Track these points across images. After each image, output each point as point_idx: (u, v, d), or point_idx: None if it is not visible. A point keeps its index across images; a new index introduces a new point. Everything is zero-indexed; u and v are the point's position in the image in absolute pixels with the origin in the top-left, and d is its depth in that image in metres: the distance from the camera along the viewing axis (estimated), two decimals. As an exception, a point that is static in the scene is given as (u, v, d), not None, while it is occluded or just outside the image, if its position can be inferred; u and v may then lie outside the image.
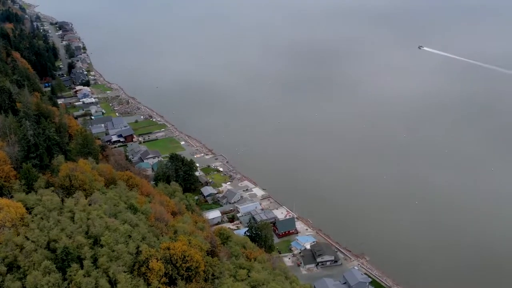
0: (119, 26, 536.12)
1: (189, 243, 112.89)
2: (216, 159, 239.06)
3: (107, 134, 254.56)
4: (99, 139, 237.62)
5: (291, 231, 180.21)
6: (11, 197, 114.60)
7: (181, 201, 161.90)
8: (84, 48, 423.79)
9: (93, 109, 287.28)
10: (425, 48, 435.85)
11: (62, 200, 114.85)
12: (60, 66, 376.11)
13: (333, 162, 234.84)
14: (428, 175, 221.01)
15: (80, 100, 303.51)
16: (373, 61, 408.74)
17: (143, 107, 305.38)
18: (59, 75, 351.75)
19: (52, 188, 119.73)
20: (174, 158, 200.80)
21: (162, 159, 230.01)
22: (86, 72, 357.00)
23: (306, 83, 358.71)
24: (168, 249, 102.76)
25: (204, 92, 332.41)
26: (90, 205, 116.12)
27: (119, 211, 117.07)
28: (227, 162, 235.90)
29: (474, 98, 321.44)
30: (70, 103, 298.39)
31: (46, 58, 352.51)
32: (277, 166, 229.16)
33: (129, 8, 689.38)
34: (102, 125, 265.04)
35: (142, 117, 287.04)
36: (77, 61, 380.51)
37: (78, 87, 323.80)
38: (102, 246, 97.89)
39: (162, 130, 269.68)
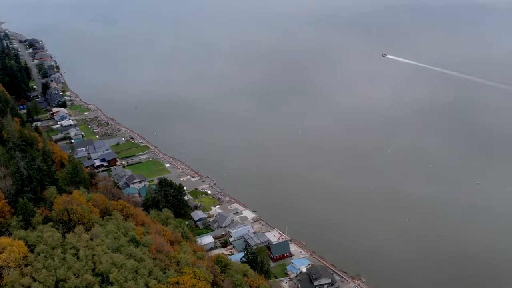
0: (89, 40, 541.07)
1: (195, 275, 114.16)
2: (203, 181, 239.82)
3: (89, 158, 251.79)
4: (81, 163, 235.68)
5: (285, 255, 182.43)
6: (10, 234, 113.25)
7: (176, 228, 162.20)
8: (57, 67, 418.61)
9: (72, 132, 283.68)
10: (388, 56, 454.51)
11: (64, 236, 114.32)
12: (34, 86, 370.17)
13: (318, 177, 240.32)
14: (415, 190, 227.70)
15: (58, 122, 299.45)
16: (343, 70, 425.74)
17: (123, 129, 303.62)
18: (33, 96, 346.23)
19: (51, 223, 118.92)
20: (163, 183, 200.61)
21: (148, 183, 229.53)
22: (61, 93, 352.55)
23: (282, 93, 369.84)
24: (178, 283, 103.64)
25: (183, 107, 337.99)
26: (92, 240, 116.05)
27: (121, 244, 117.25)
28: (214, 184, 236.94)
29: (445, 106, 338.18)
30: (47, 126, 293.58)
31: (20, 79, 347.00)
32: (263, 184, 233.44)
33: (97, 20, 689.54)
34: (83, 149, 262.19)
35: (123, 139, 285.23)
36: (51, 81, 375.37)
37: (54, 109, 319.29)
38: (111, 283, 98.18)
39: (146, 153, 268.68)
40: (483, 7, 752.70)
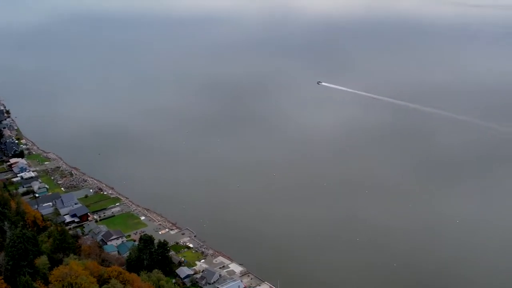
0: (29, 73, 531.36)
1: None
2: (183, 234, 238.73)
3: (58, 214, 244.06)
4: (49, 220, 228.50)
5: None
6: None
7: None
8: (7, 112, 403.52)
9: (35, 186, 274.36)
10: (323, 84, 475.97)
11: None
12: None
13: (296, 214, 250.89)
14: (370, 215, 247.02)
15: (18, 175, 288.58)
16: (282, 97, 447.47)
17: (89, 179, 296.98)
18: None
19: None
20: (147, 241, 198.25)
21: (126, 239, 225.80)
22: (16, 141, 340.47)
23: (231, 124, 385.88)
24: None
25: (141, 147, 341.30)
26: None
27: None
28: (195, 236, 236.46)
29: (381, 131, 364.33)
30: (6, 179, 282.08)
31: None
32: (245, 234, 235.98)
33: (30, 48, 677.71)
34: (50, 203, 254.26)
35: (91, 190, 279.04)
36: (4, 128, 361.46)
37: (12, 160, 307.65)
38: None
39: (117, 205, 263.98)
40: (430, 29, 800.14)
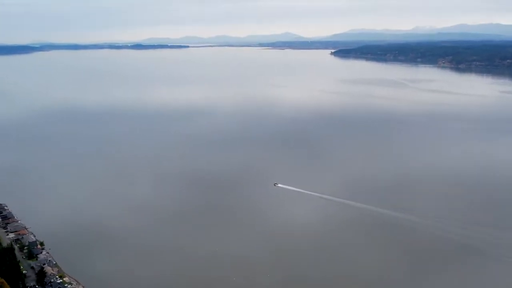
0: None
1: None
2: None
3: None
4: None
5: None
6: None
7: None
8: (41, 243, 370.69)
9: None
10: (279, 185, 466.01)
11: None
12: (24, 271, 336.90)
13: None
14: None
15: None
16: (243, 197, 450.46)
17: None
18: (30, 287, 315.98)
19: None
20: None
21: None
22: (60, 280, 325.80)
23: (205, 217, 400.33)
24: None
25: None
26: None
27: None
28: None
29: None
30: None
31: (9, 264, 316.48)
32: None
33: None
34: None
35: None
36: (44, 264, 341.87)
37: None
38: None
39: None
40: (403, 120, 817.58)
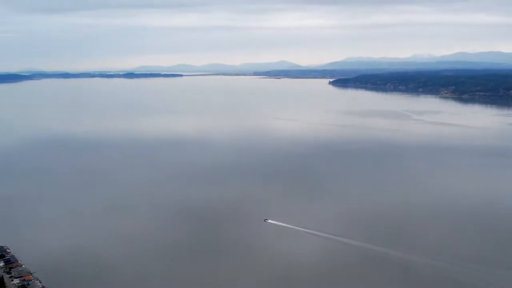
0: None
1: None
2: None
3: None
4: None
5: None
6: None
7: None
8: None
9: None
10: (269, 221, 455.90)
11: None
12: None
13: None
14: None
15: None
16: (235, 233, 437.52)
17: None
18: None
19: None
20: None
21: None
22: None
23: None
24: None
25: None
26: None
27: None
28: None
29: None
30: None
31: None
32: None
33: None
34: None
35: None
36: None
37: None
38: None
39: None
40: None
